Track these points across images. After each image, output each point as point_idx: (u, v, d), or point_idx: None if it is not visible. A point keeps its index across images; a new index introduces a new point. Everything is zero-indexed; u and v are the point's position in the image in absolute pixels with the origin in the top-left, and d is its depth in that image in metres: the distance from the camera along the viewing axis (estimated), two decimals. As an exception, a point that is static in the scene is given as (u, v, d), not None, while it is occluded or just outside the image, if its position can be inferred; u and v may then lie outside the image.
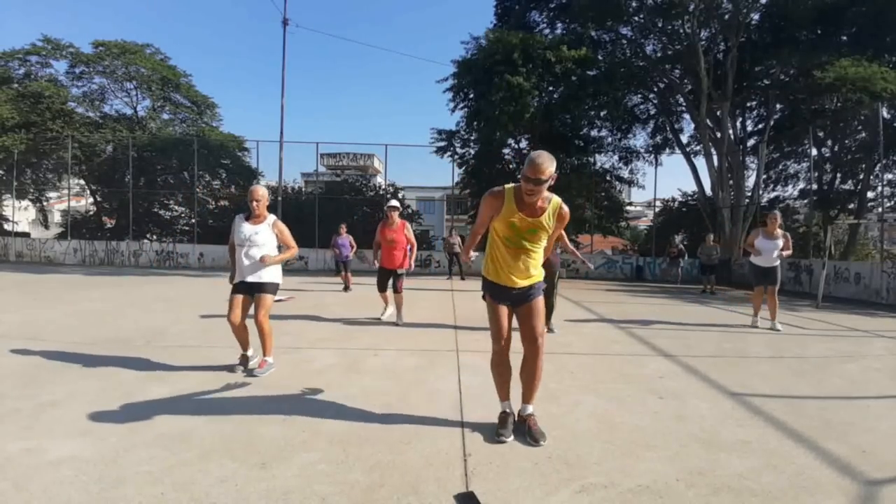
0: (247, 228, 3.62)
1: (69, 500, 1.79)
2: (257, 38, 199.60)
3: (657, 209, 20.40)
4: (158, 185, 21.16)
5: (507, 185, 2.50)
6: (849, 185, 19.20)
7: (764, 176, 18.95)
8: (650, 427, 2.66)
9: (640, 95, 19.60)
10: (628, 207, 22.23)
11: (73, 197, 21.53)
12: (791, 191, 20.71)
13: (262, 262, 3.56)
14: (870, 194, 18.22)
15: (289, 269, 17.02)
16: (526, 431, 2.49)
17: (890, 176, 17.85)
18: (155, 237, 21.10)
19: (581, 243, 21.26)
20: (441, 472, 2.08)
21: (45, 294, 8.26)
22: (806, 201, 18.77)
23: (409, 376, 3.57)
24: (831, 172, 19.28)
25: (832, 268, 11.47)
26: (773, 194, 20.50)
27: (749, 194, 17.74)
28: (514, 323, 2.64)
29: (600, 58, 16.90)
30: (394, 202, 6.14)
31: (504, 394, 2.65)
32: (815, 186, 17.80)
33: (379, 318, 6.16)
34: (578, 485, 2.00)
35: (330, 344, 4.68)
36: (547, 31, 18.28)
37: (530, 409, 2.60)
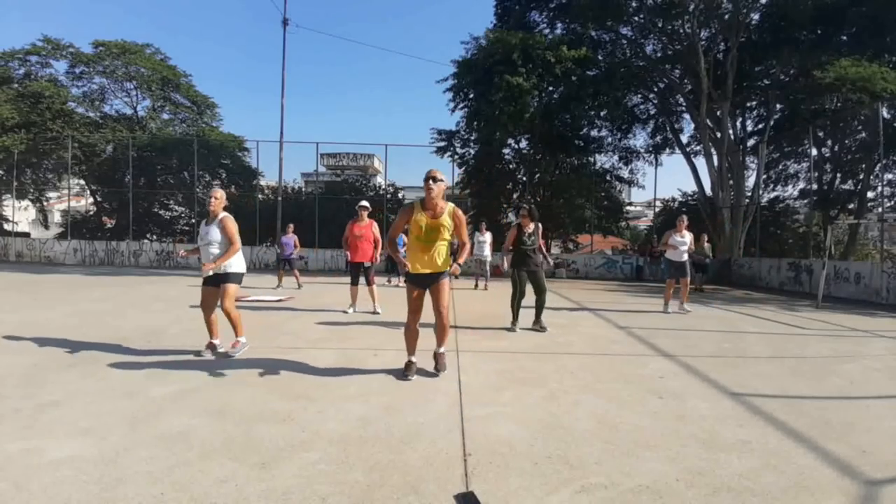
0: (202, 229, 4.09)
1: (69, 500, 1.79)
2: (257, 38, 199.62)
3: (657, 209, 20.40)
4: (158, 185, 21.18)
5: (415, 199, 3.51)
6: (849, 185, 19.20)
7: (764, 176, 18.95)
8: (650, 427, 2.65)
9: (640, 95, 19.60)
10: (628, 207, 22.25)
11: (73, 197, 21.54)
12: (791, 191, 20.73)
13: (204, 269, 3.92)
14: (870, 194, 18.22)
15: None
16: (434, 365, 3.62)
17: (890, 176, 17.87)
18: (155, 237, 21.10)
19: (581, 243, 21.28)
20: (441, 472, 2.08)
21: (45, 294, 8.27)
22: (806, 201, 18.77)
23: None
24: (831, 172, 19.26)
25: (832, 268, 11.47)
26: (773, 194, 20.51)
27: (749, 194, 17.74)
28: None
29: (600, 58, 16.93)
30: (364, 203, 6.87)
31: (411, 350, 3.63)
32: (815, 186, 17.81)
33: (345, 312, 6.64)
34: (578, 485, 2.00)
35: (330, 344, 4.67)
36: (547, 31, 18.29)
37: (442, 349, 3.70)
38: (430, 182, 3.33)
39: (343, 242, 6.77)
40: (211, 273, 3.93)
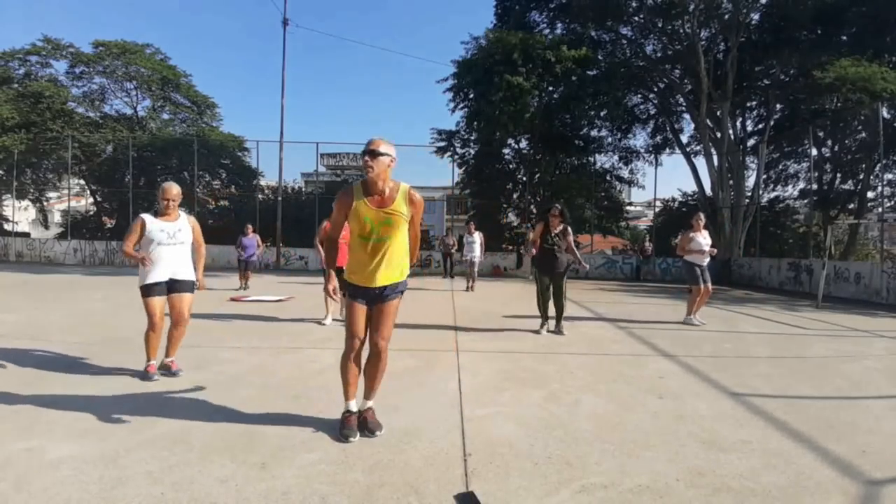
0: (168, 226, 3.53)
1: (69, 500, 1.79)
2: (258, 38, 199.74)
3: (657, 209, 20.40)
4: (158, 185, 21.15)
5: (354, 183, 2.53)
6: (849, 185, 19.21)
7: (764, 176, 18.96)
8: (650, 427, 2.65)
9: (640, 95, 19.62)
10: (628, 207, 22.27)
11: (73, 197, 21.54)
12: (791, 191, 20.75)
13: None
14: (870, 194, 18.23)
15: (289, 269, 17.03)
16: (364, 425, 2.51)
17: (890, 176, 17.89)
18: (155, 237, 21.07)
19: (581, 243, 21.29)
20: (441, 472, 2.08)
21: (45, 294, 8.26)
22: (806, 201, 18.77)
23: (409, 376, 3.57)
24: (831, 172, 19.28)
25: (832, 268, 11.47)
26: (773, 194, 20.53)
27: (749, 194, 17.74)
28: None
29: (600, 58, 16.93)
30: None
31: (351, 393, 2.58)
32: (815, 186, 17.81)
33: (321, 323, 5.83)
34: (578, 485, 2.00)
35: (330, 344, 4.67)
36: (547, 31, 18.30)
37: (370, 403, 2.62)
38: (368, 158, 2.36)
39: (317, 243, 6.00)
40: (167, 279, 3.46)
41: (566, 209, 5.68)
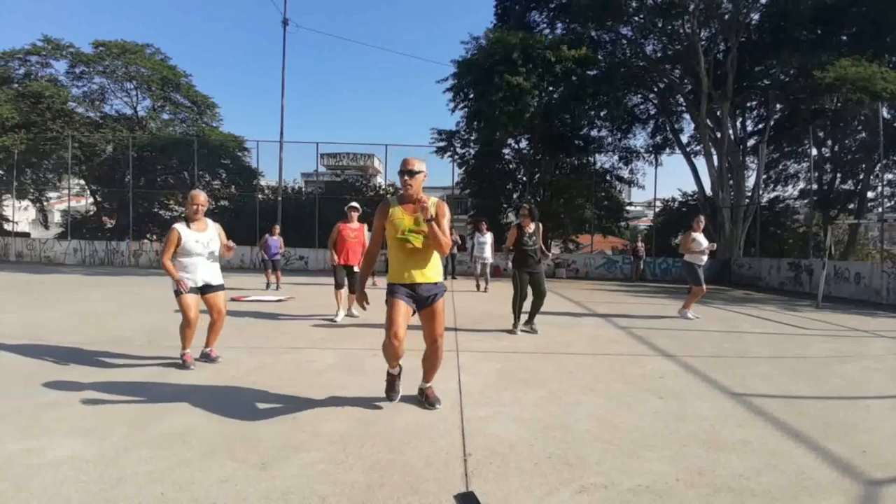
0: (202, 236, 3.73)
1: (69, 500, 1.79)
2: (258, 38, 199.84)
3: (657, 209, 20.40)
4: (158, 185, 21.16)
5: (391, 196, 2.89)
6: (849, 185, 19.21)
7: (764, 176, 18.95)
8: (650, 427, 2.65)
9: (640, 95, 19.60)
10: (628, 207, 22.26)
11: (73, 197, 21.54)
12: (791, 191, 20.74)
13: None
14: (870, 194, 18.23)
15: (289, 269, 17.02)
16: (424, 399, 2.96)
17: (890, 176, 17.88)
18: (155, 237, 21.11)
19: (581, 243, 21.27)
20: (441, 472, 2.08)
21: (45, 294, 8.26)
22: (806, 201, 18.77)
23: (409, 376, 3.57)
24: (831, 172, 19.27)
25: (832, 268, 11.47)
26: (773, 194, 20.52)
27: (749, 194, 17.74)
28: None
29: (600, 58, 16.93)
30: (354, 203, 6.44)
31: (393, 364, 2.92)
32: (815, 186, 17.80)
33: (333, 320, 5.93)
34: (578, 485, 2.00)
35: (330, 344, 4.67)
36: (547, 31, 18.30)
37: (430, 384, 3.02)
38: (406, 177, 2.74)
39: (330, 244, 6.28)
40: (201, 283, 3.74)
41: (534, 207, 5.78)
